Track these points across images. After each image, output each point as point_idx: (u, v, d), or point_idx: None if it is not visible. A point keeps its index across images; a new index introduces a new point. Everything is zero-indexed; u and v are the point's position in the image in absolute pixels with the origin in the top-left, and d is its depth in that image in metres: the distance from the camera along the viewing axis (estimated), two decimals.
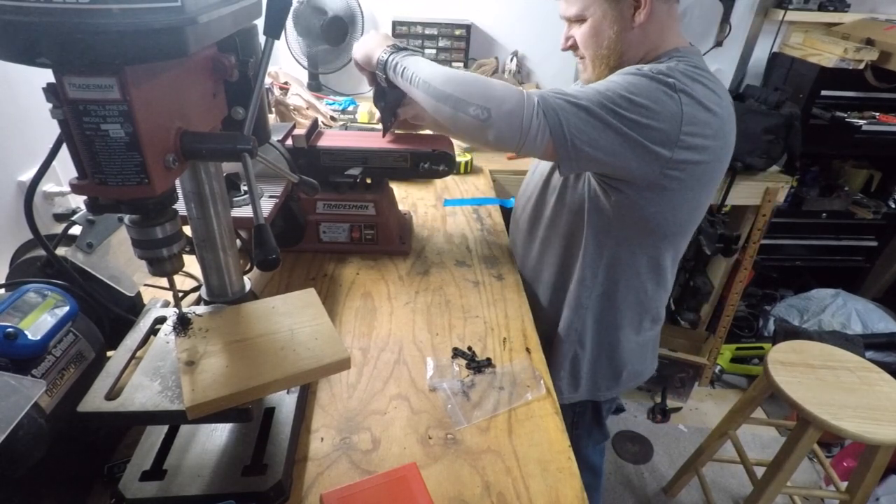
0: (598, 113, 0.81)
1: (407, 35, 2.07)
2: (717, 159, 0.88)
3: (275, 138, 0.99)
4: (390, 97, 1.07)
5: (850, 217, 2.28)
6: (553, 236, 1.07)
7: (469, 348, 0.90)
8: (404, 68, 0.92)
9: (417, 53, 0.97)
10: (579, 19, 0.92)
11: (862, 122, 2.02)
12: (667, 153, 0.83)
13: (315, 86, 2.07)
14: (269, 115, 1.61)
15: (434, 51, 2.10)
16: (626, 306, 1.05)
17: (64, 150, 0.50)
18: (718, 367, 2.42)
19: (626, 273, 1.01)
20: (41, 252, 0.73)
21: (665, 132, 0.82)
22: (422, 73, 0.89)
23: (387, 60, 0.95)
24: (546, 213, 1.08)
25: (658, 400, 2.26)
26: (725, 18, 2.15)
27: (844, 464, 1.90)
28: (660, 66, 0.85)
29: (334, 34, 1.94)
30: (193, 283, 0.95)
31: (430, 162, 1.08)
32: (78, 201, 1.06)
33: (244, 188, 0.93)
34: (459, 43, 2.10)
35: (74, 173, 0.50)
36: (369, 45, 0.99)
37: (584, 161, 0.87)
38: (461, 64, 2.14)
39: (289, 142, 1.06)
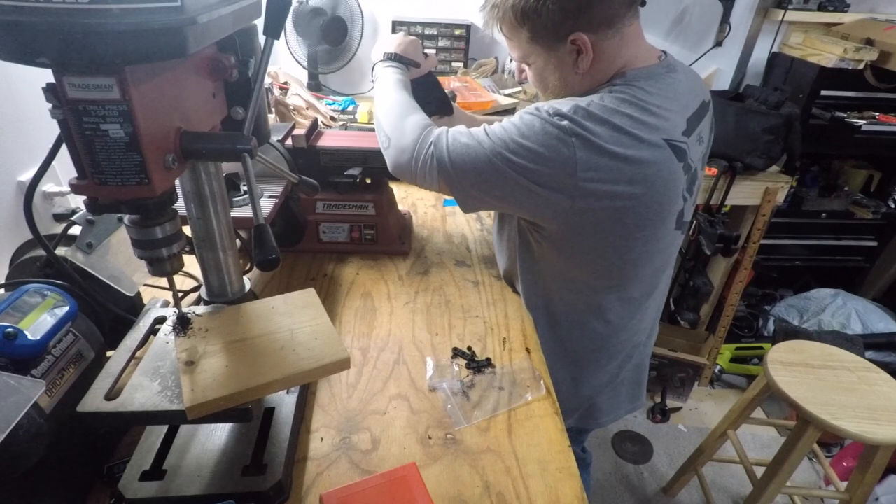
0: (487, 157, 0.78)
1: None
2: (640, 205, 0.78)
3: (275, 138, 0.99)
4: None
5: (849, 217, 2.28)
6: (500, 259, 1.09)
7: (469, 348, 0.90)
8: (376, 80, 0.98)
9: (403, 67, 0.98)
10: (524, 62, 0.88)
11: (862, 122, 2.02)
12: (564, 200, 0.77)
13: (315, 86, 2.06)
14: (269, 115, 1.61)
15: (434, 51, 2.10)
16: (573, 342, 0.99)
17: (64, 150, 0.50)
18: (718, 367, 2.42)
19: (565, 311, 0.97)
20: (41, 252, 0.73)
21: (557, 178, 0.76)
22: (378, 92, 0.95)
23: (373, 69, 1.01)
24: (495, 238, 1.10)
25: (658, 400, 2.26)
26: (725, 18, 2.15)
27: (844, 464, 1.90)
28: (560, 107, 0.76)
29: (334, 34, 1.94)
30: (193, 283, 0.95)
31: None
32: (78, 201, 1.06)
33: (244, 188, 0.93)
34: (459, 43, 2.10)
35: (74, 173, 0.50)
36: (377, 48, 1.03)
37: (479, 203, 0.85)
38: (461, 64, 2.14)
39: (289, 142, 1.06)
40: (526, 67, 0.89)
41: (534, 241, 0.92)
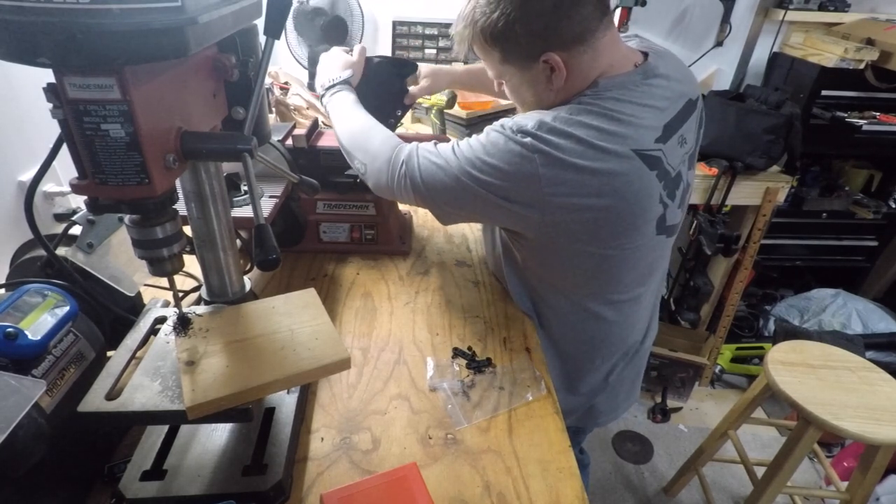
0: (455, 175, 0.79)
1: (407, 35, 2.07)
2: (611, 215, 0.77)
3: (275, 138, 0.99)
4: (391, 89, 1.08)
5: (850, 217, 2.27)
6: (489, 259, 1.10)
7: (469, 348, 0.90)
8: (329, 112, 0.99)
9: (343, 84, 1.00)
10: (499, 80, 0.88)
11: (862, 121, 2.02)
12: (534, 214, 0.77)
13: (315, 86, 2.06)
14: (270, 115, 1.60)
15: (434, 51, 2.10)
16: (566, 343, 0.99)
17: (64, 150, 0.50)
18: (718, 367, 2.41)
19: (554, 312, 0.97)
20: (41, 252, 0.73)
21: (524, 194, 0.76)
22: (335, 123, 0.96)
23: (321, 99, 1.02)
24: (483, 239, 1.13)
25: (658, 400, 2.26)
26: (726, 18, 2.15)
27: (845, 464, 1.90)
28: (524, 122, 0.76)
29: (334, 34, 1.94)
30: (193, 283, 0.94)
31: None
32: (78, 201, 1.06)
33: (244, 188, 0.93)
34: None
35: (75, 173, 0.50)
36: (317, 83, 1.04)
37: (455, 217, 0.88)
38: (461, 64, 2.13)
39: (289, 142, 1.06)
40: (504, 81, 0.89)
41: (516, 249, 0.93)
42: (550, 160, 0.74)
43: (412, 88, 1.11)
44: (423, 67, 1.13)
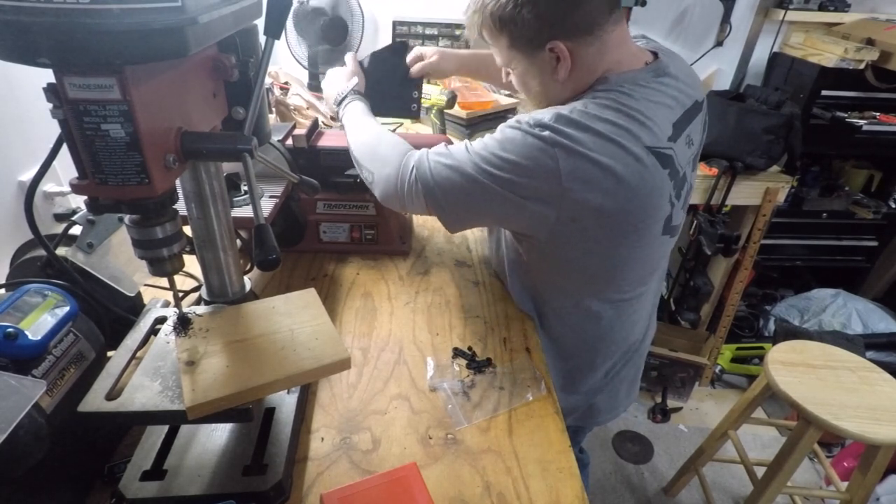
0: (470, 174, 0.78)
1: (407, 35, 2.07)
2: (624, 213, 0.77)
3: (275, 138, 0.99)
4: (398, 75, 1.09)
5: (850, 217, 2.27)
6: (491, 258, 1.10)
7: (469, 348, 0.90)
8: (343, 124, 1.01)
9: (355, 98, 1.01)
10: (507, 67, 0.87)
11: (862, 122, 2.02)
12: (551, 212, 0.76)
13: (315, 86, 2.06)
14: (270, 115, 1.60)
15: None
16: (566, 342, 0.99)
17: (64, 150, 0.50)
18: (719, 367, 2.41)
19: (555, 312, 0.97)
20: (41, 252, 0.73)
21: (542, 190, 0.75)
22: (349, 136, 0.97)
23: (337, 112, 1.04)
24: (486, 238, 1.13)
25: (658, 400, 2.26)
26: (726, 18, 2.15)
27: (845, 464, 1.90)
28: (541, 117, 0.75)
29: (334, 34, 1.94)
30: (194, 283, 0.94)
31: None
32: (78, 201, 1.06)
33: (244, 188, 0.93)
34: (459, 43, 2.10)
35: (75, 173, 0.50)
36: (329, 101, 1.07)
37: (466, 221, 0.87)
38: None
39: (289, 142, 1.06)
40: (510, 70, 0.88)
41: (523, 251, 0.93)
42: (570, 153, 0.72)
43: (418, 65, 1.10)
44: (429, 49, 1.13)
